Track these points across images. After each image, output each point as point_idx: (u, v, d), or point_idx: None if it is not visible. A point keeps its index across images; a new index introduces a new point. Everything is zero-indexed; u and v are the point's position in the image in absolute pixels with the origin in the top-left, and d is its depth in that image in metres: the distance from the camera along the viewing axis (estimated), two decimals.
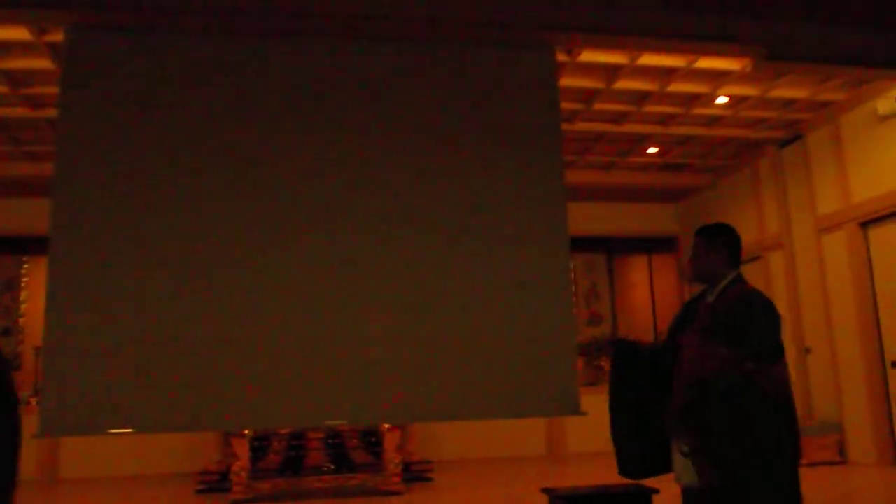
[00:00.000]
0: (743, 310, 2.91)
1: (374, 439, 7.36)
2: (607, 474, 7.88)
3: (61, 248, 4.83)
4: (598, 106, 7.66)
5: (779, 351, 2.85)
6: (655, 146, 9.16)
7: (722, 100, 7.75)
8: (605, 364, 10.74)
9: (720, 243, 3.10)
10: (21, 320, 9.95)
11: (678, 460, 2.94)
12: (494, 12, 5.22)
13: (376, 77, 5.39)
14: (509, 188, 5.34)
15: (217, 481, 7.27)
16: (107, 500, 7.21)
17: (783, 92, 7.61)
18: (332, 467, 7.04)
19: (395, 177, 5.25)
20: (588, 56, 6.54)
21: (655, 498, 4.48)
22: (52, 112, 6.84)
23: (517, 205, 5.33)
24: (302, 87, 5.29)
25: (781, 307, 9.78)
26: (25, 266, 10.10)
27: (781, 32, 5.50)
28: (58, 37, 5.54)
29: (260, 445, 7.10)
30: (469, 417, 6.86)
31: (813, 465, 7.67)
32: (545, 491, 4.69)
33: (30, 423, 4.98)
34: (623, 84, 7.17)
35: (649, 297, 11.85)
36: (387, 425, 6.92)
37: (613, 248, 11.78)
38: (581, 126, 8.16)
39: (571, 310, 5.32)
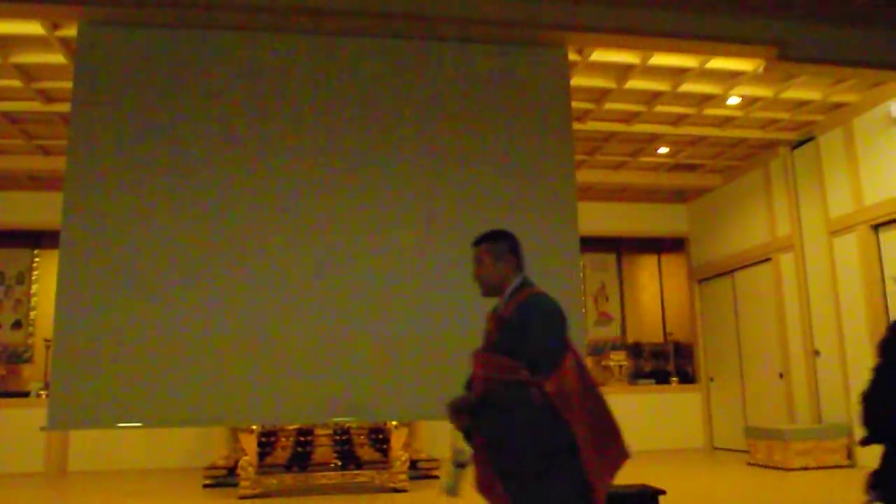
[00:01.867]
0: (522, 316, 2.79)
1: (381, 436, 7.38)
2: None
3: (72, 242, 4.85)
4: (608, 105, 7.63)
5: (557, 358, 2.68)
6: (666, 146, 9.13)
7: (734, 100, 7.71)
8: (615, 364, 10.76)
9: (506, 249, 2.95)
10: (32, 313, 10.02)
11: (450, 472, 2.84)
12: (505, 11, 5.21)
13: (387, 77, 5.39)
14: (519, 187, 5.34)
15: (224, 476, 7.29)
16: (115, 493, 7.25)
17: (795, 93, 7.57)
18: (339, 464, 7.05)
19: (404, 176, 5.26)
20: (599, 55, 6.52)
21: (662, 498, 4.47)
22: (64, 107, 6.88)
23: (527, 203, 5.32)
24: (318, 84, 5.30)
25: (791, 309, 9.74)
26: (37, 259, 10.16)
27: (794, 33, 5.47)
28: (71, 32, 5.57)
29: (267, 441, 7.12)
30: None
31: (821, 468, 7.65)
32: None
33: (39, 415, 5.03)
34: (634, 84, 7.15)
35: (659, 298, 11.83)
36: (394, 423, 6.92)
37: (623, 248, 11.76)
38: (592, 125, 8.13)
39: (581, 310, 5.32)
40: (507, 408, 2.68)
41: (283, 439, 7.19)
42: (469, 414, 2.76)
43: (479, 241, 2.99)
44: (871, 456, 7.71)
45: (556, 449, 2.62)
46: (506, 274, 2.93)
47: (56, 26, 5.72)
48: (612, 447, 2.78)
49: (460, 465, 2.80)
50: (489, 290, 2.98)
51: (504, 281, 2.93)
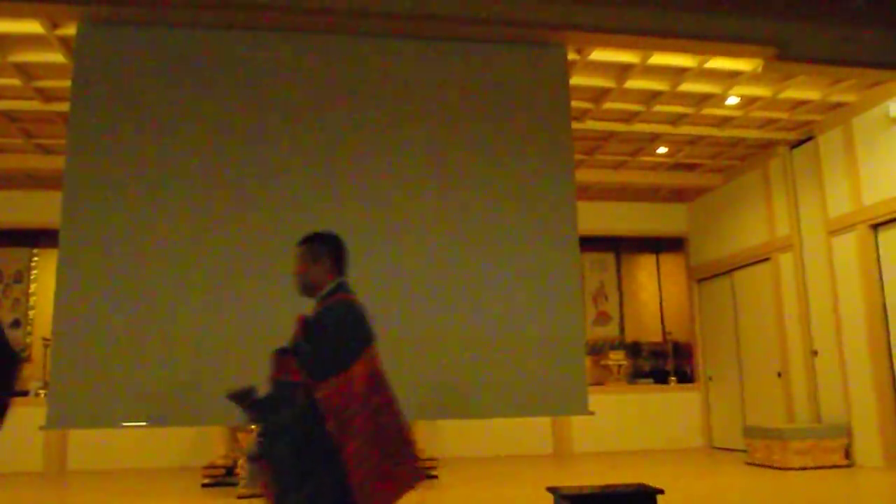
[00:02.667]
0: (316, 319, 2.83)
1: None
2: (613, 474, 7.86)
3: (71, 241, 4.85)
4: (608, 105, 7.64)
5: (331, 367, 2.69)
6: (665, 146, 9.13)
7: (733, 100, 7.72)
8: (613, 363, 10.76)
9: (323, 252, 2.98)
10: (31, 312, 10.02)
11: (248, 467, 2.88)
12: (504, 10, 5.21)
13: (387, 76, 5.39)
14: (519, 186, 5.34)
15: (223, 475, 7.29)
16: (113, 492, 7.24)
17: (794, 93, 7.57)
18: None
19: (405, 176, 5.25)
20: (598, 55, 6.52)
21: (660, 498, 4.47)
22: (63, 106, 6.87)
23: (526, 203, 5.32)
24: (317, 84, 5.30)
25: (790, 309, 9.73)
26: (35, 258, 10.16)
27: (793, 33, 5.47)
28: (70, 31, 5.57)
29: None
30: (477, 416, 6.87)
31: (820, 468, 7.66)
32: (550, 490, 4.69)
33: (38, 414, 5.03)
34: (633, 83, 7.15)
35: (657, 298, 11.83)
36: None
37: (622, 247, 11.77)
38: (591, 125, 8.14)
39: (581, 309, 5.32)
40: (275, 406, 2.72)
41: None
42: (240, 406, 2.80)
43: (301, 242, 3.04)
44: (870, 456, 7.74)
45: (317, 452, 2.63)
46: (321, 276, 2.96)
47: (55, 25, 5.71)
48: (401, 467, 2.80)
49: (251, 460, 2.82)
50: (304, 291, 3.01)
51: (319, 283, 2.96)
